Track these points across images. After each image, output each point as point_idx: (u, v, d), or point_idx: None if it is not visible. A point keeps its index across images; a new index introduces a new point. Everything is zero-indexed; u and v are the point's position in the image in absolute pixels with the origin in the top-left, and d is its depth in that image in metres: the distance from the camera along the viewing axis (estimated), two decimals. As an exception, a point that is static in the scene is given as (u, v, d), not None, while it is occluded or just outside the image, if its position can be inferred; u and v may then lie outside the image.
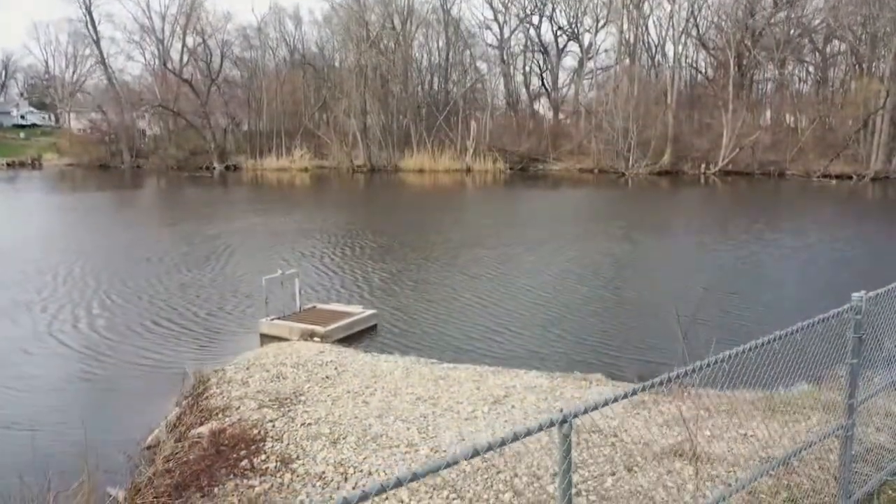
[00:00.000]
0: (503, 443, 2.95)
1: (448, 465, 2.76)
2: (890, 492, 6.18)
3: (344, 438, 7.68)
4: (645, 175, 55.14)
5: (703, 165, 56.22)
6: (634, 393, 3.56)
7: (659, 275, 18.81)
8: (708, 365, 4.23)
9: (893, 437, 7.06)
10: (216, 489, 7.03)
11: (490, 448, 2.89)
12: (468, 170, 61.75)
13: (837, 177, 51.21)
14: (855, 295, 5.16)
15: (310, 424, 8.11)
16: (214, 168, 64.78)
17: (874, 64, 55.97)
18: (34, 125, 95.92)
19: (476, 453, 2.84)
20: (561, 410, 3.20)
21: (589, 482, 6.51)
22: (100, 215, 34.41)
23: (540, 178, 57.56)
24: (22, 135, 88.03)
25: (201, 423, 8.49)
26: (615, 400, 3.42)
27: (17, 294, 16.62)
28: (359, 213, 35.38)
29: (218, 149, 66.30)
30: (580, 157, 61.59)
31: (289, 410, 8.53)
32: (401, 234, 25.73)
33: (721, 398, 8.92)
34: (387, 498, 6.51)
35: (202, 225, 28.45)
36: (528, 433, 3.06)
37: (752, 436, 7.51)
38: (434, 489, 6.58)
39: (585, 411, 3.27)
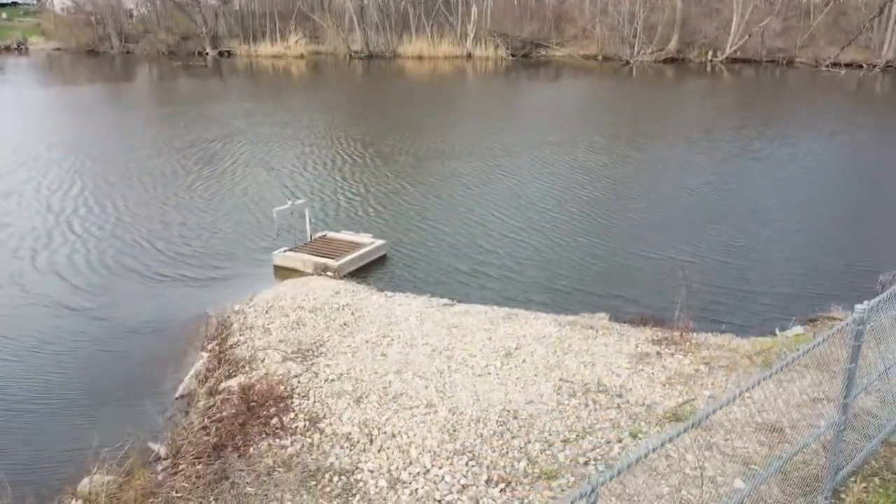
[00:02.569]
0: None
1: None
2: (873, 462, 6.74)
3: (366, 397, 8.19)
4: (650, 63, 53.80)
5: (709, 53, 54.75)
6: (654, 450, 3.92)
7: (636, 195, 18.38)
8: (731, 400, 4.58)
9: (881, 401, 7.55)
10: (251, 449, 7.60)
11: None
12: (468, 56, 60.11)
13: (847, 65, 50.01)
14: (858, 307, 5.43)
15: (333, 380, 8.60)
16: (207, 54, 62.89)
17: (896, -57, 53.14)
18: (15, 3, 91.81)
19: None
20: (588, 481, 3.56)
21: (597, 450, 7.06)
22: (93, 117, 33.82)
23: (542, 66, 56.16)
24: (4, 15, 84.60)
25: (230, 376, 8.99)
26: (637, 460, 3.79)
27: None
28: (349, 113, 34.71)
29: (210, 33, 64.09)
30: (584, 43, 59.82)
31: (312, 364, 9.01)
32: (384, 141, 25.27)
33: (721, 349, 9.40)
34: (411, 462, 7.10)
35: (199, 131, 28.10)
36: (561, 509, 3.44)
37: (748, 397, 7.99)
38: (454, 454, 7.14)
39: (611, 478, 3.64)
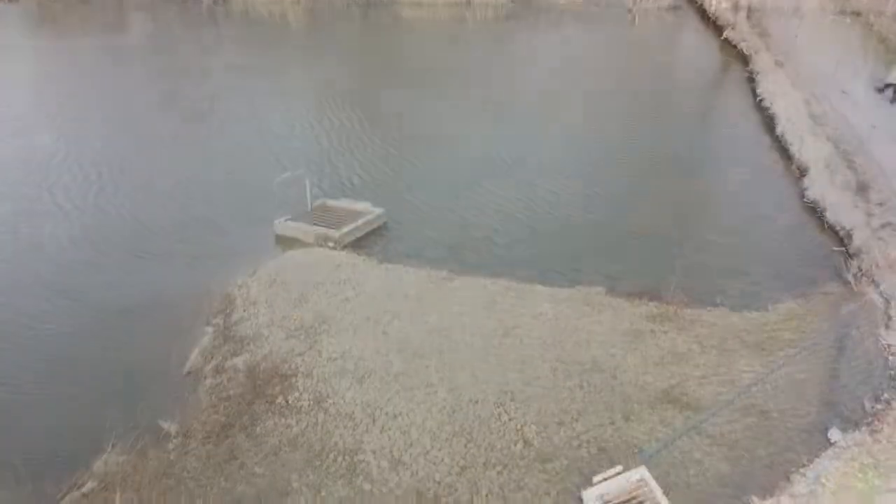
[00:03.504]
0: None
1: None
2: (854, 448, 7.03)
3: (369, 377, 8.46)
4: (654, 10, 52.70)
5: (714, -1, 53.59)
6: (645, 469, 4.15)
7: (631, 162, 17.84)
8: (737, 398, 4.79)
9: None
10: (258, 428, 7.91)
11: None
12: (468, 2, 58.80)
13: (856, 13, 49.13)
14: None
15: (335, 359, 8.86)
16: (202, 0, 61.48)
17: None
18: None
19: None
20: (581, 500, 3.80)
21: (590, 432, 7.35)
22: (83, 73, 33.07)
23: (543, 12, 54.90)
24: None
25: (235, 354, 9.23)
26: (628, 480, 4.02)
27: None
28: (344, 69, 33.29)
29: (203, -24, 62.50)
30: (587, -12, 58.47)
31: (315, 342, 9.25)
32: (379, 100, 24.48)
33: (714, 326, 9.63)
34: (412, 443, 7.41)
35: (192, 89, 27.43)
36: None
37: (737, 382, 8.23)
38: (453, 435, 7.45)
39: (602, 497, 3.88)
